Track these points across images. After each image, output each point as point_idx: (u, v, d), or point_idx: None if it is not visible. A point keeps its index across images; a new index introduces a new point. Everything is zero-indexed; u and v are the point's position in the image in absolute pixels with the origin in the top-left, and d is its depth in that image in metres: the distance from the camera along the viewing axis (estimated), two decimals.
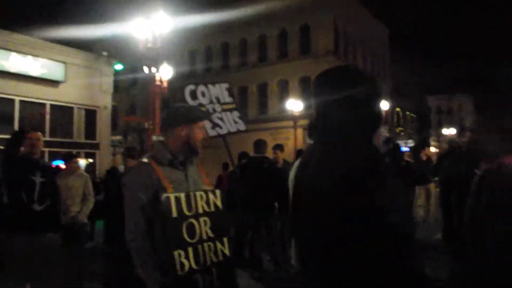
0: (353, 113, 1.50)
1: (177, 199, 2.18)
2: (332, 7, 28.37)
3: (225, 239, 2.37)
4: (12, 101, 13.77)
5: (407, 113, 43.94)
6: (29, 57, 14.05)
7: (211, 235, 2.29)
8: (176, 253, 2.10)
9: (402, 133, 38.97)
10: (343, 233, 1.38)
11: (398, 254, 1.36)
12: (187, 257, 2.13)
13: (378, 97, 1.59)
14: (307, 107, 26.19)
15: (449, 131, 42.98)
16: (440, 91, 63.12)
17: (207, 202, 2.33)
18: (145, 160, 2.34)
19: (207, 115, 2.79)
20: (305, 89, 28.33)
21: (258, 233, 6.30)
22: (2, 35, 13.54)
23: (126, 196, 2.27)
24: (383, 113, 1.66)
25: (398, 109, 40.85)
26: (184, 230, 2.17)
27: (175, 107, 2.52)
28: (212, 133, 5.04)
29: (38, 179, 3.81)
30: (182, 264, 2.10)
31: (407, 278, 1.37)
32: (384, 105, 29.06)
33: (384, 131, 30.96)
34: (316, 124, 1.61)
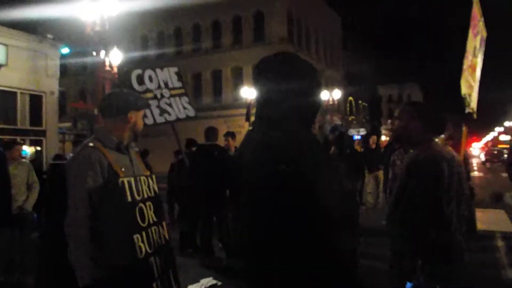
0: (292, 101, 1.54)
1: (130, 184, 2.19)
2: None
3: (164, 223, 2.44)
4: None
5: (359, 102, 45.16)
6: None
7: (155, 219, 2.33)
8: (135, 236, 2.13)
9: (354, 122, 40.08)
10: (278, 219, 1.42)
11: (330, 238, 1.43)
12: (143, 241, 2.17)
13: (317, 88, 1.64)
14: None
15: None
16: (391, 81, 65.39)
17: (149, 187, 2.37)
18: (91, 144, 2.27)
19: (148, 104, 2.77)
20: None
21: (209, 221, 6.34)
22: None
23: (71, 180, 2.19)
24: (322, 103, 1.73)
25: (350, 98, 41.90)
26: (137, 214, 2.20)
27: (121, 93, 2.52)
28: (160, 119, 4.85)
29: None
30: (140, 248, 2.14)
31: (338, 262, 1.44)
32: (336, 93, 29.75)
33: (336, 120, 31.75)
34: (256, 109, 1.65)
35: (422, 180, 2.40)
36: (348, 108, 41.61)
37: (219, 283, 5.18)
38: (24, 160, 6.25)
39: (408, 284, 2.48)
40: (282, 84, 1.55)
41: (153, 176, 2.49)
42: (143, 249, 2.16)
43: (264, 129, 1.56)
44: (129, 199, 2.17)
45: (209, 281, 5.25)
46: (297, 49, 29.33)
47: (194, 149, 7.13)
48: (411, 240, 2.42)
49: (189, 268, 5.64)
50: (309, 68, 1.62)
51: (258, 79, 1.63)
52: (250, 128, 1.65)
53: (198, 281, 5.19)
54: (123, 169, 2.28)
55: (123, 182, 2.15)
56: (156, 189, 2.44)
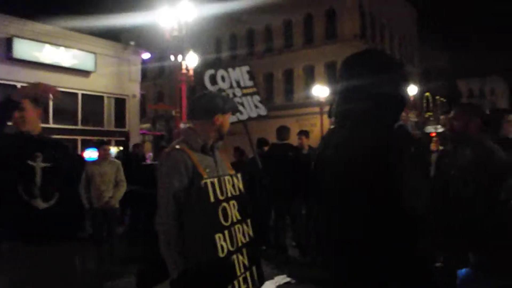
0: (376, 97, 1.53)
1: (213, 184, 2.25)
2: None
3: (249, 221, 2.48)
4: None
5: (437, 97, 42.82)
6: (62, 48, 14.46)
7: (239, 217, 2.38)
8: (217, 236, 2.19)
9: (431, 118, 38.03)
10: (367, 215, 1.43)
11: (410, 234, 1.41)
12: (225, 240, 2.23)
13: (404, 82, 1.61)
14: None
15: None
16: (471, 75, 61.11)
17: (233, 186, 2.42)
18: (178, 146, 2.37)
19: (237, 107, 2.83)
20: (331, 75, 28.00)
21: (283, 220, 6.38)
22: (35, 27, 13.97)
23: (160, 180, 2.31)
24: (408, 98, 1.68)
25: (427, 93, 39.84)
26: (220, 214, 2.26)
27: (209, 95, 2.58)
28: (232, 119, 4.89)
29: (38, 164, 2.71)
30: (222, 247, 2.20)
31: (415, 260, 1.41)
32: (413, 89, 28.44)
33: (413, 116, 30.36)
34: (338, 107, 1.64)
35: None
36: (425, 104, 39.58)
37: (293, 281, 5.21)
38: (113, 159, 6.72)
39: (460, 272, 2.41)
40: (367, 79, 1.54)
41: (239, 175, 2.53)
42: (225, 248, 2.21)
43: (349, 126, 1.55)
44: (212, 199, 2.22)
45: (283, 278, 5.30)
46: (370, 45, 28.46)
47: (266, 148, 7.18)
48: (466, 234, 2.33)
49: (263, 265, 5.72)
50: (395, 63, 1.60)
51: (343, 75, 1.62)
52: (332, 126, 1.65)
53: (272, 278, 5.26)
54: (207, 170, 2.34)
55: (206, 184, 2.21)
56: (241, 187, 2.49)
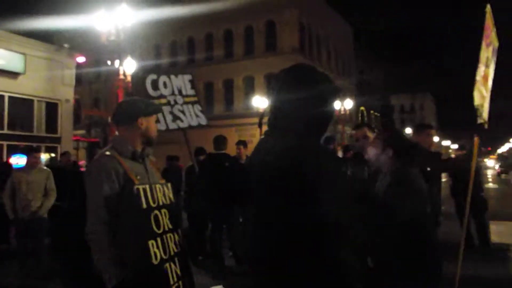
0: (305, 110, 1.59)
1: (145, 191, 2.23)
2: (297, 4, 28.74)
3: (179, 231, 2.46)
4: None
5: (371, 112, 45.01)
6: None
7: (170, 226, 2.36)
8: (150, 243, 2.15)
9: None
10: (283, 226, 1.47)
11: (329, 246, 1.45)
12: (158, 247, 2.20)
13: (332, 98, 1.69)
14: None
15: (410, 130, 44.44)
16: (403, 90, 65.12)
17: (164, 195, 2.40)
18: (108, 153, 2.33)
19: (160, 109, 2.80)
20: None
21: (219, 229, 6.36)
22: None
23: (89, 187, 2.26)
24: (334, 113, 1.76)
25: (362, 108, 41.78)
26: (152, 220, 2.23)
27: (131, 100, 2.56)
28: (172, 125, 4.88)
29: None
30: (155, 254, 2.17)
31: (335, 272, 1.46)
32: (348, 103, 29.71)
33: (348, 129, 31.68)
34: (269, 118, 1.69)
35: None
36: (360, 118, 41.47)
37: None
38: (43, 166, 6.37)
39: None
40: (295, 93, 1.60)
41: (169, 184, 2.51)
42: (158, 255, 2.18)
43: (276, 137, 1.60)
44: (144, 205, 2.20)
45: None
46: (308, 59, 29.45)
47: (202, 157, 7.15)
48: None
49: (199, 275, 5.69)
50: (323, 78, 1.67)
51: (273, 88, 1.68)
52: (262, 136, 1.70)
53: None
54: (138, 177, 2.32)
55: (138, 189, 2.19)
56: (171, 197, 2.47)
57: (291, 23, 28.93)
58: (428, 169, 3.78)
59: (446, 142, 65.88)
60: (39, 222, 5.94)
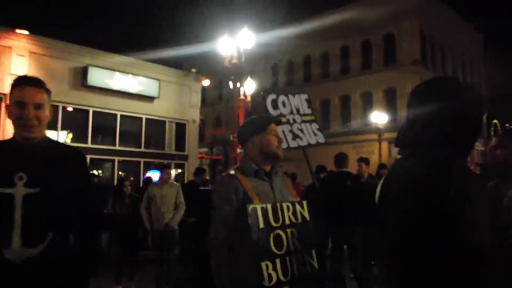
0: (444, 124, 1.44)
1: (264, 210, 2.20)
2: (417, 14, 27.25)
3: (313, 252, 2.35)
4: (115, 115, 15.20)
5: (506, 125, 40.33)
6: (129, 75, 15.40)
7: (298, 246, 2.28)
8: (263, 264, 2.10)
9: None
10: (420, 248, 1.37)
11: (472, 274, 1.31)
12: (274, 269, 2.12)
13: (477, 110, 1.51)
14: (392, 120, 25.29)
15: None
16: None
17: (294, 213, 2.34)
18: (231, 172, 2.42)
19: (275, 118, 2.74)
20: (390, 101, 27.40)
21: (340, 249, 6.22)
22: (108, 57, 15.05)
23: (213, 205, 2.36)
24: (481, 128, 1.59)
25: (495, 121, 37.68)
26: (271, 241, 2.17)
27: (246, 120, 2.64)
28: (293, 144, 4.94)
29: (19, 191, 1.82)
30: (270, 276, 2.10)
31: None
32: None
33: (479, 146, 28.79)
34: (404, 137, 1.57)
35: None
36: (492, 132, 37.38)
37: None
38: (173, 181, 6.97)
39: None
40: (432, 105, 1.47)
41: (304, 203, 2.46)
42: (274, 277, 2.11)
43: (415, 157, 1.49)
44: (261, 225, 2.16)
45: None
46: (430, 70, 27.62)
47: (323, 175, 7.11)
48: None
49: None
50: (467, 88, 1.52)
51: (411, 103, 1.57)
52: (399, 157, 1.61)
53: None
54: (260, 196, 2.32)
55: (254, 209, 2.17)
56: (306, 215, 2.40)
57: (411, 34, 27.49)
58: None
59: None
60: (171, 234, 6.48)
